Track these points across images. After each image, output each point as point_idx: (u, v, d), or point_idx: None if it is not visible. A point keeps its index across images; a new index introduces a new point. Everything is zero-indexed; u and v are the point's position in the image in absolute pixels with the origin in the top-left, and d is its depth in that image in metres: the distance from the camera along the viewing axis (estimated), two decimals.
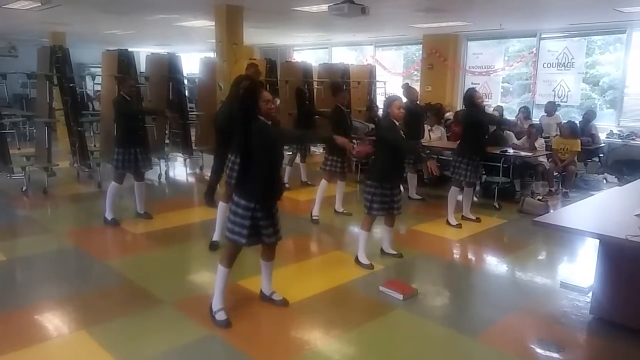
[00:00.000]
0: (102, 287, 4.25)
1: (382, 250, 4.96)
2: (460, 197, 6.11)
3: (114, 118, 5.84)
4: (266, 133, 3.34)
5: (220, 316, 3.51)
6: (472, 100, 5.75)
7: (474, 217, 6.15)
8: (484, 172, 7.41)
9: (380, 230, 5.02)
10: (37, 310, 3.72)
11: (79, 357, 3.20)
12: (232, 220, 3.41)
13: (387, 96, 4.98)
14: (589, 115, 9.00)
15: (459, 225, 5.91)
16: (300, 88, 8.32)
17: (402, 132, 4.52)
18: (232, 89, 4.81)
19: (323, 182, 6.07)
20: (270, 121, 3.39)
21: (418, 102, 7.25)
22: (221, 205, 4.91)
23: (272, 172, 3.44)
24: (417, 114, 6.84)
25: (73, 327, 3.52)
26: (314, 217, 6.06)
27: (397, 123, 4.49)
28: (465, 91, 6.32)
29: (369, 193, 4.53)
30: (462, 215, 6.14)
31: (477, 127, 5.79)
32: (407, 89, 7.01)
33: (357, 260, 4.68)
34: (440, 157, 7.95)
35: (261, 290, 3.91)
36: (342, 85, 6.42)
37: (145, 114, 5.90)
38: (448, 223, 5.96)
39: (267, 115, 3.36)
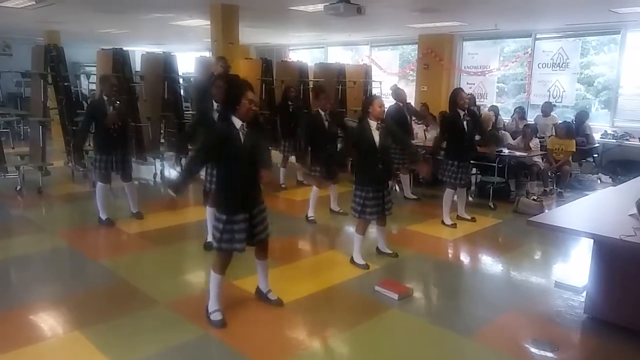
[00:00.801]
0: (97, 287, 4.23)
1: (377, 249, 4.96)
2: (455, 198, 6.12)
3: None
4: (229, 138, 3.28)
5: (216, 317, 3.51)
6: (455, 100, 5.71)
7: (469, 217, 6.17)
8: (478, 172, 7.44)
9: (374, 230, 5.02)
10: (31, 310, 3.71)
11: (73, 358, 3.19)
12: (214, 226, 3.45)
13: (365, 98, 4.91)
14: (582, 116, 9.02)
15: (454, 225, 5.92)
16: (287, 88, 8.19)
17: (374, 136, 4.45)
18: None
19: (314, 188, 6.04)
20: (244, 122, 3.33)
21: (406, 103, 7.17)
22: (208, 209, 4.95)
23: (240, 181, 3.34)
24: (403, 116, 6.81)
25: (67, 327, 3.50)
26: (309, 218, 6.06)
27: (372, 125, 4.44)
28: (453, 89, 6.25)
29: (359, 197, 4.52)
30: (457, 215, 6.16)
31: (457, 129, 5.73)
32: (396, 90, 7.00)
33: (352, 260, 4.69)
34: (436, 157, 7.96)
35: (257, 288, 3.90)
36: (325, 89, 6.32)
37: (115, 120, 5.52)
38: (443, 223, 5.97)
39: (245, 115, 3.31)
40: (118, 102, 5.57)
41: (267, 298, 3.84)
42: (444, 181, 5.97)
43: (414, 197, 7.23)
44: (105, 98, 5.47)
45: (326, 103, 5.97)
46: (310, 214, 6.07)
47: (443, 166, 5.93)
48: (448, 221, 5.97)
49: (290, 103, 7.92)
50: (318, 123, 5.90)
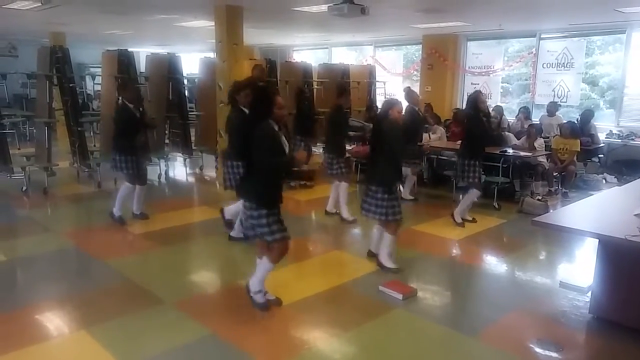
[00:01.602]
0: (102, 286, 4.25)
1: (370, 252, 4.88)
2: (460, 197, 6.12)
3: (115, 122, 5.77)
4: (275, 137, 3.45)
5: (260, 298, 3.68)
6: (476, 103, 5.70)
7: (470, 218, 6.15)
8: (483, 172, 7.43)
9: (366, 232, 4.95)
10: (37, 310, 3.73)
11: (79, 357, 3.21)
12: (255, 225, 3.50)
13: (387, 99, 4.83)
14: (587, 115, 8.97)
15: (462, 224, 5.90)
16: (301, 88, 8.31)
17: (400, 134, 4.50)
18: (233, 95, 4.84)
19: (343, 184, 5.99)
20: (278, 126, 3.51)
21: (418, 107, 7.01)
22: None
23: (280, 178, 3.61)
24: (417, 118, 6.74)
25: (73, 326, 3.53)
26: (349, 219, 5.98)
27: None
28: (471, 93, 6.12)
29: (386, 200, 4.42)
30: (465, 220, 6.17)
31: (482, 130, 5.75)
32: (409, 92, 6.88)
33: (380, 264, 4.58)
34: (440, 157, 7.97)
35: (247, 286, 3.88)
36: (348, 89, 6.47)
37: (143, 126, 5.86)
38: (452, 218, 5.93)
39: (279, 121, 3.52)
40: (142, 108, 5.68)
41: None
42: (468, 182, 5.89)
43: (412, 197, 7.15)
44: (130, 105, 5.52)
45: (348, 102, 6.05)
46: (345, 214, 6.00)
47: (463, 168, 5.83)
48: (459, 219, 5.94)
49: (306, 104, 8.02)
50: (343, 116, 6.02)
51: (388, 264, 4.58)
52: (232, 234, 5.19)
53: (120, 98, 5.63)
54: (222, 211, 5.39)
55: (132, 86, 5.74)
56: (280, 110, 3.51)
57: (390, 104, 4.54)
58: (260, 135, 3.42)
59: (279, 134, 3.51)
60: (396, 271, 4.53)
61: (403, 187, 7.38)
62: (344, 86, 6.41)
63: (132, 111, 5.58)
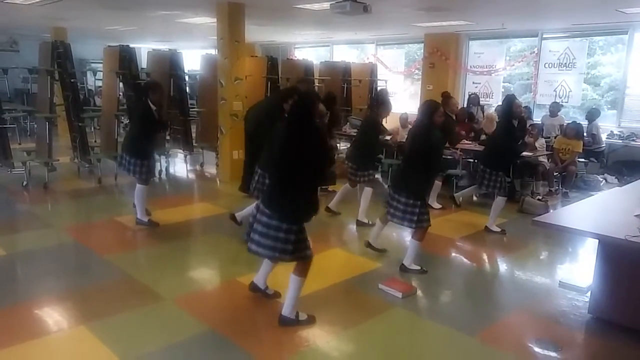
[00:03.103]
0: (102, 282, 4.25)
1: (367, 242, 4.91)
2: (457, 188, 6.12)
3: (135, 122, 5.69)
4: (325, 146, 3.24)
5: (303, 316, 3.49)
6: (510, 110, 5.49)
7: (458, 203, 6.49)
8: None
9: (368, 231, 4.96)
10: (37, 304, 3.73)
11: (78, 352, 3.21)
12: (297, 240, 3.27)
13: (427, 102, 4.47)
14: (593, 114, 8.94)
15: (504, 232, 5.77)
16: (331, 93, 8.08)
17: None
18: (281, 102, 4.69)
19: (369, 189, 5.86)
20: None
21: (455, 115, 6.67)
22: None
23: (314, 191, 3.35)
24: (452, 126, 6.26)
25: (73, 322, 3.53)
26: (368, 223, 5.83)
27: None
28: (505, 96, 5.82)
29: (416, 207, 4.33)
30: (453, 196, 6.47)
31: (512, 141, 5.63)
32: (448, 99, 6.42)
33: (405, 268, 4.54)
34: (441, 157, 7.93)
35: (253, 282, 3.88)
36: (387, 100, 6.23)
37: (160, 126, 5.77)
38: (488, 231, 5.80)
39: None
40: (161, 112, 5.64)
41: (266, 293, 3.87)
42: (490, 190, 5.79)
43: (439, 206, 6.81)
44: (153, 107, 5.34)
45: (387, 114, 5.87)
46: (365, 218, 5.87)
47: (484, 175, 5.68)
48: (495, 228, 5.80)
49: (336, 106, 7.85)
50: (379, 129, 5.80)
51: (413, 267, 4.54)
52: (236, 213, 5.17)
53: (146, 99, 5.40)
54: (233, 217, 5.25)
55: (163, 90, 5.57)
56: (322, 120, 3.18)
57: (433, 107, 4.32)
58: (314, 146, 3.12)
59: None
60: (423, 272, 4.51)
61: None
62: (381, 95, 6.12)
63: (154, 113, 5.38)
